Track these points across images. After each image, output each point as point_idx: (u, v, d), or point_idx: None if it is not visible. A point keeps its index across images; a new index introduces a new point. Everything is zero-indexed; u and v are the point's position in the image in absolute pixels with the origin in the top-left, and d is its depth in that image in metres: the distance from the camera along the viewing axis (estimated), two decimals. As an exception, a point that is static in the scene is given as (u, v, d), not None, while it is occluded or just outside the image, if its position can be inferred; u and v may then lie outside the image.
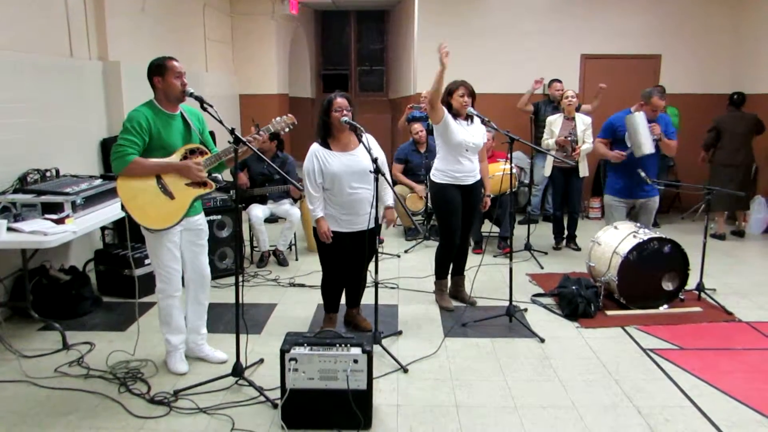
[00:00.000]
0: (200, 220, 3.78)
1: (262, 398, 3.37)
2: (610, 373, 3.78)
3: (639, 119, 5.04)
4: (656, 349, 4.15)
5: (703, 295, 5.04)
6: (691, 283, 4.95)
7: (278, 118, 3.73)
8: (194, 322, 3.89)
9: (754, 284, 5.55)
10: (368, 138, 3.95)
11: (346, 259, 4.16)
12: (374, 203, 3.95)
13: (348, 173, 3.96)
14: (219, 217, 5.57)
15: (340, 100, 3.95)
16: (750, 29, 8.16)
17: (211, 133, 6.39)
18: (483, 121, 4.59)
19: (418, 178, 7.16)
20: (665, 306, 4.82)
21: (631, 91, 7.08)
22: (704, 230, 5.13)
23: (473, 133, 4.66)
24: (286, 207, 6.20)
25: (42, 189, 4.35)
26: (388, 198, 4.17)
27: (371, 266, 4.12)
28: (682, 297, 4.90)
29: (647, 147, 5.03)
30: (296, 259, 6.32)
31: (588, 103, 7.70)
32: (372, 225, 4.01)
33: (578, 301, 4.66)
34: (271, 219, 6.62)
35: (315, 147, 4.04)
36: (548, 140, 6.64)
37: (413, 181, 7.19)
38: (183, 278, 3.79)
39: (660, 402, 3.44)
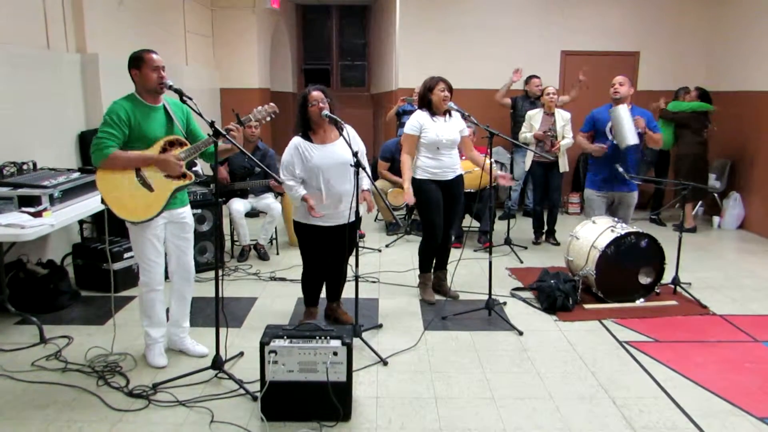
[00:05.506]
0: (184, 213, 3.75)
1: (241, 391, 3.37)
2: (586, 365, 3.83)
3: (623, 111, 5.08)
4: (632, 341, 4.21)
5: (678, 288, 5.12)
6: (667, 277, 5.03)
7: (260, 107, 3.73)
8: (177, 315, 3.88)
9: (728, 278, 5.66)
10: (348, 130, 3.96)
11: (326, 252, 4.17)
12: (355, 196, 3.95)
13: (328, 165, 3.96)
14: (199, 211, 5.54)
15: (315, 94, 3.94)
16: (725, 27, 8.28)
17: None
18: (463, 116, 4.63)
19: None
20: (641, 299, 4.89)
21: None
22: (680, 225, 5.22)
23: (448, 129, 4.68)
24: (267, 201, 6.19)
25: (19, 182, 4.30)
26: (365, 183, 4.12)
27: (351, 260, 4.14)
28: (658, 291, 4.98)
29: (631, 138, 5.06)
30: (277, 254, 6.32)
31: (566, 94, 7.77)
32: (353, 218, 4.02)
33: (557, 294, 4.71)
34: (252, 213, 6.61)
35: (297, 140, 4.02)
36: (526, 134, 6.68)
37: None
38: (167, 271, 3.78)
39: (635, 393, 3.49)
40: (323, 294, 4.44)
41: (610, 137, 5.25)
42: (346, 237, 4.06)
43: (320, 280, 4.33)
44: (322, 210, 4.02)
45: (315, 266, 4.24)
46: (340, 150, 4.00)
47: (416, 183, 4.78)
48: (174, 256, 3.77)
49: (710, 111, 7.47)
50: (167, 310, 3.88)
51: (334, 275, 4.35)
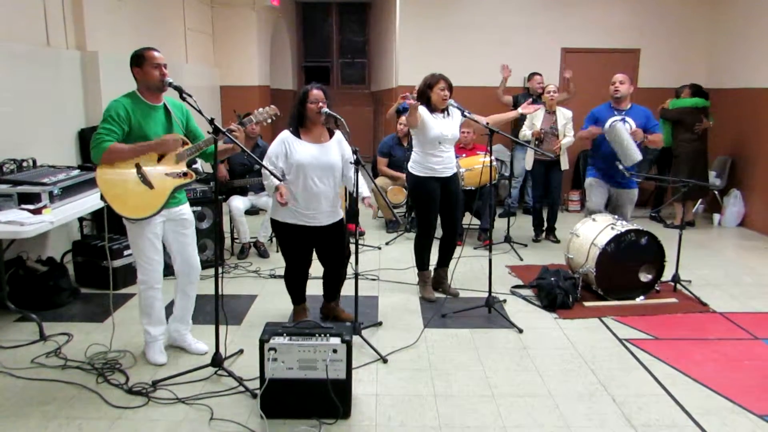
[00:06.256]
0: (184, 209, 3.75)
1: (241, 388, 3.37)
2: (586, 363, 3.83)
3: (620, 130, 5.02)
4: (632, 339, 4.21)
5: (678, 286, 5.12)
6: (667, 275, 5.02)
7: (261, 109, 3.73)
8: (181, 311, 3.87)
9: (727, 276, 5.65)
10: (339, 135, 3.99)
11: (306, 252, 4.15)
12: (355, 194, 3.96)
13: (313, 165, 3.92)
14: (199, 208, 5.53)
15: (316, 92, 3.91)
16: (726, 25, 8.27)
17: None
18: (463, 114, 4.62)
19: (401, 171, 7.15)
20: (641, 297, 4.89)
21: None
22: (680, 222, 5.22)
23: (449, 125, 4.69)
24: (266, 199, 6.18)
25: (18, 179, 4.29)
26: (365, 190, 4.13)
27: (351, 258, 4.14)
28: (658, 288, 4.97)
29: (635, 155, 5.04)
30: (277, 251, 6.31)
31: (564, 93, 7.75)
32: (334, 220, 4.05)
33: (556, 292, 4.71)
34: (252, 211, 6.60)
35: (285, 134, 3.98)
36: (525, 131, 6.66)
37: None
38: (168, 269, 3.78)
39: (634, 391, 3.49)
40: (321, 292, 4.44)
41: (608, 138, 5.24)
42: (335, 238, 4.07)
43: (302, 278, 4.28)
44: (301, 210, 3.98)
45: (295, 265, 4.20)
46: (329, 152, 3.99)
47: (415, 179, 4.78)
48: (177, 254, 3.76)
49: (707, 107, 7.48)
50: (171, 305, 3.87)
51: (331, 275, 4.33)
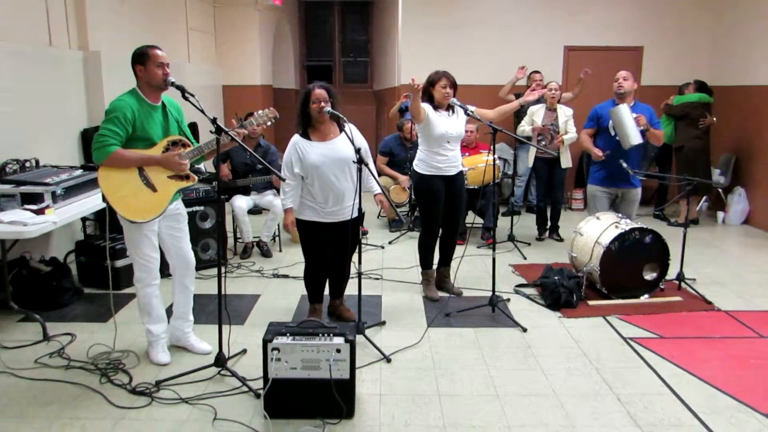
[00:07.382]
0: (178, 205, 3.74)
1: (244, 388, 3.37)
2: (590, 362, 3.82)
3: (624, 111, 5.02)
4: (636, 337, 4.19)
5: (683, 284, 5.09)
6: (672, 273, 5.00)
7: (260, 112, 3.74)
8: (181, 308, 3.86)
9: (732, 274, 5.63)
10: (350, 127, 3.95)
11: (329, 249, 4.16)
12: (357, 193, 3.95)
13: (327, 163, 3.95)
14: (202, 208, 5.54)
15: (318, 92, 3.92)
16: (730, 22, 8.24)
17: (194, 124, 6.38)
18: (466, 112, 4.60)
19: (402, 170, 7.14)
20: (646, 296, 4.87)
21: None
22: (685, 220, 5.19)
23: (454, 123, 4.67)
24: (269, 198, 6.19)
25: (21, 179, 4.29)
26: (375, 186, 4.17)
27: (354, 257, 4.13)
28: (662, 287, 4.95)
29: (634, 138, 5.01)
30: (280, 251, 6.31)
31: (569, 91, 7.72)
32: (355, 215, 4.01)
33: (560, 291, 4.69)
34: (255, 210, 6.60)
35: (295, 138, 4.04)
36: (524, 127, 6.64)
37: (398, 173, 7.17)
38: (165, 266, 3.77)
39: (639, 390, 3.48)
40: (326, 291, 4.43)
41: (613, 134, 5.21)
42: (349, 233, 4.05)
43: (323, 276, 4.31)
44: (323, 207, 4.02)
45: (317, 263, 4.22)
46: (340, 147, 3.99)
47: (420, 177, 4.76)
48: (172, 249, 3.75)
49: (711, 103, 7.45)
50: (171, 305, 3.87)
51: (337, 272, 4.34)
